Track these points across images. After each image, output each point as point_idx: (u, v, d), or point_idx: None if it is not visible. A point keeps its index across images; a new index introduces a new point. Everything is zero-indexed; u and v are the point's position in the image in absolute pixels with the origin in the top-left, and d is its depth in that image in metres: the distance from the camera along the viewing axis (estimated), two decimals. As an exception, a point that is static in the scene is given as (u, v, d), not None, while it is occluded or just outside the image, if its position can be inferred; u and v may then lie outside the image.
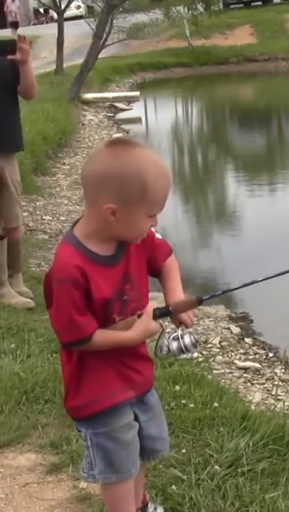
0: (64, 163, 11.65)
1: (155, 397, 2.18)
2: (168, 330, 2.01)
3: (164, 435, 2.21)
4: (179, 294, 2.07)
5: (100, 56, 18.82)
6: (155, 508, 2.34)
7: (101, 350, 1.97)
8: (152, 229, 2.00)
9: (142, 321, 1.97)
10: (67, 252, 1.91)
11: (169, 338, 1.96)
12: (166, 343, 1.95)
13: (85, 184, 1.90)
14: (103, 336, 1.94)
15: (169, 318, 2.03)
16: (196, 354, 1.99)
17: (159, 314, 1.97)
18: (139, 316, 1.98)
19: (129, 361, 2.03)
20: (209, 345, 5.24)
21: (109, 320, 1.96)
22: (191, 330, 2.01)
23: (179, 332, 1.96)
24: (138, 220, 1.89)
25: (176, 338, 1.95)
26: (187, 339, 1.95)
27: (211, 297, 2.02)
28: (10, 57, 4.56)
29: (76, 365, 2.01)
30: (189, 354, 1.95)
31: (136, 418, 2.09)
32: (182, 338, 1.95)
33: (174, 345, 1.95)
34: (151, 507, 2.32)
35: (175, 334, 1.96)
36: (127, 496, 2.14)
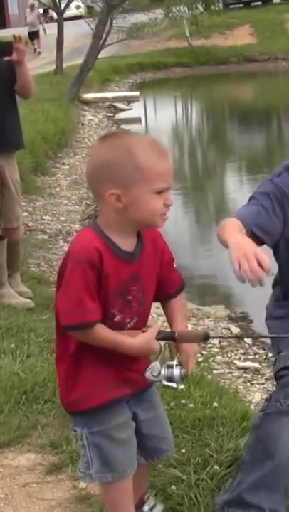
0: (64, 163, 11.65)
1: (158, 396, 2.18)
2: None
3: (168, 435, 2.21)
4: (183, 327, 2.08)
5: (99, 56, 18.82)
6: (154, 506, 2.32)
7: (97, 348, 1.96)
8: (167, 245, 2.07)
9: (145, 335, 1.96)
10: (89, 235, 1.93)
11: (163, 363, 1.96)
12: (159, 366, 1.95)
13: (88, 182, 1.96)
14: (105, 331, 1.92)
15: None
16: (181, 386, 1.98)
17: (163, 337, 1.97)
18: (144, 331, 1.99)
19: (125, 361, 2.01)
20: (209, 345, 5.24)
21: (109, 314, 1.95)
22: (195, 359, 2.03)
23: (175, 362, 1.96)
24: (145, 198, 1.88)
25: (170, 366, 1.95)
26: (177, 371, 1.95)
27: (218, 337, 2.04)
28: (6, 58, 4.58)
29: (73, 361, 2.00)
30: (174, 385, 1.94)
31: (135, 418, 2.09)
32: (174, 367, 1.95)
33: (165, 371, 1.95)
34: (148, 505, 2.31)
35: (170, 362, 1.97)
36: (125, 495, 2.13)
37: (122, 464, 2.06)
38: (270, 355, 5.15)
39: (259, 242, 2.26)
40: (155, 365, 1.95)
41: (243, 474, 2.23)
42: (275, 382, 2.42)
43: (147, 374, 1.95)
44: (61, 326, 1.95)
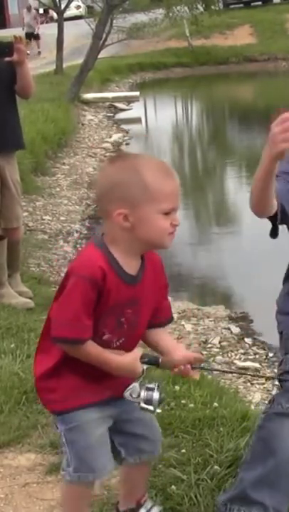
0: (64, 163, 11.65)
1: None
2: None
3: (152, 437, 2.19)
4: (177, 349, 2.08)
5: (99, 56, 18.82)
6: (151, 508, 2.31)
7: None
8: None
9: (131, 355, 1.98)
10: (95, 253, 1.94)
11: (143, 385, 1.98)
12: (138, 388, 1.97)
13: (97, 201, 2.01)
14: (93, 347, 1.95)
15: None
16: (159, 410, 1.99)
17: (147, 360, 2.00)
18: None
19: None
20: (209, 345, 5.24)
21: (98, 332, 1.96)
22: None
23: (155, 385, 1.98)
24: (153, 218, 1.90)
25: (149, 389, 1.97)
26: (156, 395, 1.96)
27: (200, 368, 2.07)
28: (7, 59, 4.58)
29: (57, 363, 2.01)
30: (152, 408, 1.96)
31: (118, 417, 2.09)
32: (154, 391, 1.96)
33: (144, 394, 1.96)
34: (146, 508, 2.30)
35: (150, 385, 1.98)
36: (85, 500, 2.17)
37: (100, 461, 2.06)
38: (271, 355, 5.16)
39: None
40: (135, 386, 1.97)
41: (245, 472, 2.23)
42: (277, 382, 2.42)
43: (126, 394, 1.97)
44: (52, 337, 1.97)
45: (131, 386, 1.98)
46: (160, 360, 2.02)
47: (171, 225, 1.93)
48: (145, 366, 1.98)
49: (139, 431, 2.15)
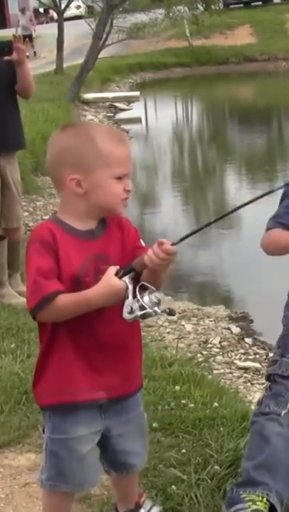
0: (64, 163, 11.63)
1: (139, 411, 2.11)
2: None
3: (141, 450, 2.15)
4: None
5: (99, 56, 18.83)
6: (151, 508, 2.30)
7: (67, 341, 1.92)
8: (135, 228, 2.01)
9: (104, 278, 1.87)
10: (43, 223, 1.98)
11: (134, 298, 1.88)
12: (131, 302, 1.87)
13: (49, 170, 1.98)
14: (66, 297, 1.86)
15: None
16: (158, 310, 1.87)
17: (123, 273, 1.89)
18: None
19: (103, 358, 1.96)
20: (209, 345, 5.24)
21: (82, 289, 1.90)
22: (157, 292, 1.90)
23: (146, 291, 1.88)
24: (106, 184, 1.90)
25: (140, 297, 1.87)
26: (146, 297, 1.87)
27: (180, 241, 1.88)
28: (7, 58, 4.58)
29: (44, 352, 1.98)
30: (149, 310, 1.86)
31: (107, 431, 2.03)
32: (144, 296, 1.87)
33: (137, 304, 1.87)
34: (145, 508, 2.29)
35: (139, 294, 1.88)
36: (65, 508, 2.11)
37: (79, 478, 2.02)
38: (271, 355, 5.16)
39: None
40: (127, 302, 1.87)
41: (247, 462, 2.29)
42: (267, 382, 2.42)
43: (124, 315, 1.87)
44: (29, 312, 1.92)
45: (124, 305, 1.87)
46: (134, 264, 1.90)
47: (124, 191, 1.92)
48: (126, 279, 1.88)
49: (129, 446, 2.09)
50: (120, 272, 1.89)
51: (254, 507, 2.14)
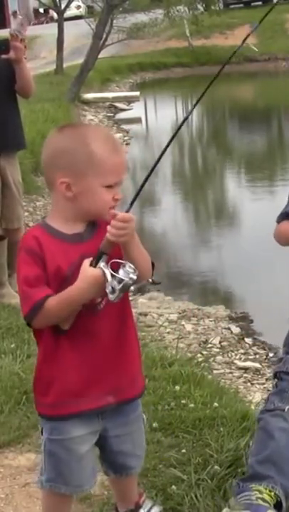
0: (64, 163, 11.63)
1: (137, 413, 2.11)
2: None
3: (139, 452, 2.15)
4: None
5: (99, 56, 18.83)
6: (151, 508, 2.30)
7: (71, 349, 1.91)
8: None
9: (80, 272, 1.87)
10: (30, 230, 1.99)
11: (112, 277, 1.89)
12: (110, 282, 1.87)
13: (43, 170, 1.98)
14: (53, 299, 1.86)
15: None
16: (134, 276, 1.87)
17: (96, 260, 1.90)
18: None
19: (106, 362, 1.96)
20: (209, 345, 5.24)
21: None
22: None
23: (121, 268, 1.88)
24: (95, 191, 1.89)
25: (115, 274, 1.88)
26: (121, 271, 1.88)
27: (131, 205, 1.90)
28: (4, 56, 4.58)
29: (42, 361, 1.97)
30: (126, 279, 1.86)
31: (105, 432, 2.03)
32: (118, 271, 1.88)
33: (114, 281, 1.87)
34: (145, 508, 2.28)
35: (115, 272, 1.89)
36: (65, 509, 2.11)
37: (78, 478, 2.02)
38: (271, 355, 5.16)
39: None
40: (107, 285, 1.87)
41: (252, 458, 2.33)
42: (274, 380, 2.46)
43: (109, 297, 1.88)
44: (25, 322, 1.93)
45: (106, 288, 1.88)
46: (102, 248, 1.88)
47: (113, 199, 1.90)
48: (102, 265, 1.88)
49: (126, 448, 2.09)
50: (92, 262, 1.89)
51: (260, 496, 2.20)
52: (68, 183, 1.88)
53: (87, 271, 1.87)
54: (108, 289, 1.87)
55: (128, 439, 2.08)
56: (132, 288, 1.95)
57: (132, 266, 1.89)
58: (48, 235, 1.92)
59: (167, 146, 2.06)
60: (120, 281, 1.87)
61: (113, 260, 1.88)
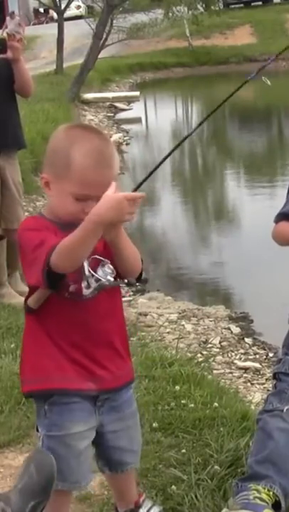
0: (64, 163, 11.63)
1: (133, 408, 2.11)
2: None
3: (135, 448, 2.15)
4: None
5: (99, 56, 18.84)
6: (151, 508, 2.29)
7: (59, 332, 1.93)
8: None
9: (107, 193, 1.77)
10: (27, 217, 2.05)
11: (89, 273, 1.91)
12: (87, 278, 1.89)
13: None
14: (69, 236, 1.79)
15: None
16: (112, 279, 1.91)
17: None
18: None
19: (93, 353, 1.96)
20: (209, 345, 5.24)
21: (64, 286, 1.89)
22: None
23: (100, 268, 1.91)
24: (64, 197, 1.88)
25: (93, 272, 1.90)
26: (99, 270, 1.90)
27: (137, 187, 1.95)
28: (1, 56, 4.59)
29: (31, 340, 1.99)
30: (103, 280, 1.89)
31: (101, 427, 2.04)
32: (97, 271, 1.90)
33: (92, 279, 1.90)
34: (145, 508, 2.27)
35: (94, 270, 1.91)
36: (64, 507, 2.11)
37: (75, 475, 2.02)
38: (271, 355, 5.16)
39: None
40: (84, 277, 1.89)
41: (251, 458, 2.34)
42: (273, 381, 2.47)
43: (84, 291, 1.90)
44: (32, 285, 1.92)
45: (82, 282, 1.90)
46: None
47: (83, 212, 1.83)
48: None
49: (123, 443, 2.09)
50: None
51: (258, 495, 2.20)
52: (47, 181, 1.92)
53: (109, 194, 1.76)
54: (84, 284, 1.90)
55: (124, 434, 2.09)
56: (125, 280, 1.99)
57: (111, 267, 1.92)
58: (49, 223, 1.94)
59: (166, 157, 2.08)
60: (97, 280, 1.90)
61: (94, 256, 1.89)
